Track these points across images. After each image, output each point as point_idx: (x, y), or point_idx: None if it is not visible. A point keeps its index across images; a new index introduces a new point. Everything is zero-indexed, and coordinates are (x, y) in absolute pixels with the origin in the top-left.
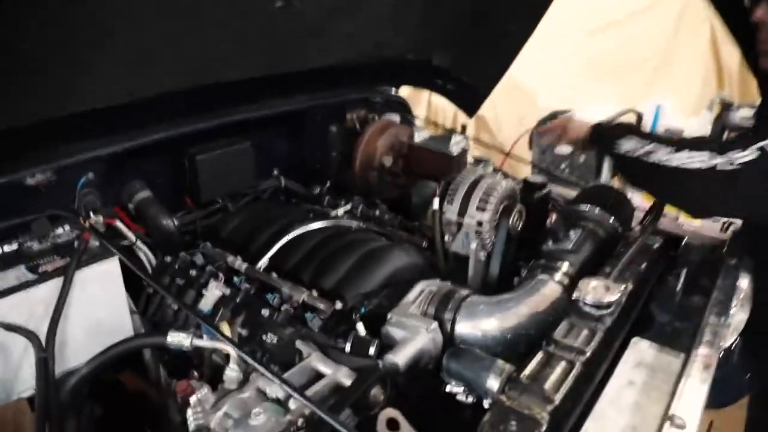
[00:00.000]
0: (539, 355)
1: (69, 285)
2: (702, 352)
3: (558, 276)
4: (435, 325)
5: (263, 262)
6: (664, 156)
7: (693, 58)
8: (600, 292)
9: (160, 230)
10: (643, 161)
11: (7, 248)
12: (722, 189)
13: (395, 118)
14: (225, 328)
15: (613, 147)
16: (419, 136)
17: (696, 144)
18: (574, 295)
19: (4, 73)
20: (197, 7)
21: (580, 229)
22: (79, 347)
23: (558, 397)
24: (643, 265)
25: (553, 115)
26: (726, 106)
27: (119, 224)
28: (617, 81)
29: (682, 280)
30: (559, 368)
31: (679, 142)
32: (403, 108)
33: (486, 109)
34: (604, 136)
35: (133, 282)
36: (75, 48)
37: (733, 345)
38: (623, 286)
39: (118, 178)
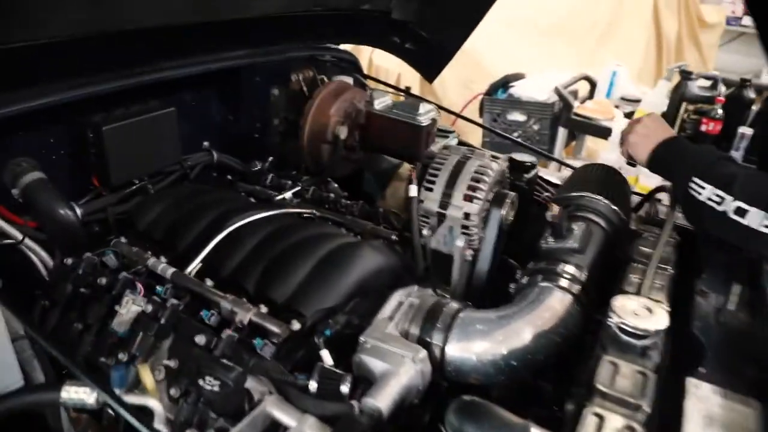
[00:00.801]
0: (587, 416)
1: None
2: None
3: (564, 282)
4: (423, 353)
5: (194, 266)
6: (764, 222)
7: (636, 27)
8: (643, 315)
9: (57, 222)
10: (732, 221)
11: None
12: None
13: (348, 80)
14: (146, 374)
15: (687, 189)
16: (380, 103)
17: None
18: (611, 320)
19: None
20: None
21: (582, 223)
22: None
23: None
24: (671, 272)
25: (505, 80)
26: (685, 76)
27: None
28: (565, 46)
29: (730, 296)
30: None
31: None
32: (356, 69)
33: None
34: (676, 167)
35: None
36: None
37: None
38: (665, 305)
39: None
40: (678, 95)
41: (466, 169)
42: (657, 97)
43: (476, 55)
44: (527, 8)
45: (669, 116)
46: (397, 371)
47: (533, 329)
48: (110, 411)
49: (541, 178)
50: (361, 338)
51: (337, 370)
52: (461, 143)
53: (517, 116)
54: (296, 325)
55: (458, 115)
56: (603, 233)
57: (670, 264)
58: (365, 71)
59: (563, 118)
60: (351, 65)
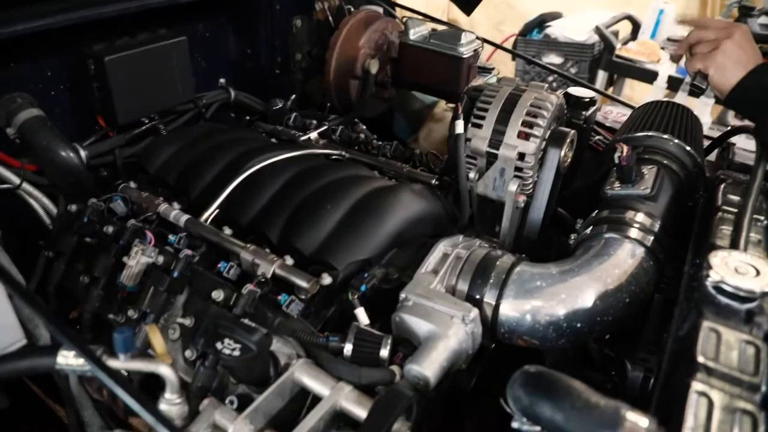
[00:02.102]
0: (694, 396)
1: None
2: None
3: (635, 233)
4: (475, 312)
5: (210, 213)
6: None
7: None
8: (748, 274)
9: (59, 165)
10: None
11: None
12: None
13: (378, 9)
14: (155, 337)
15: None
16: (416, 33)
17: None
18: (710, 279)
19: None
20: None
21: (653, 166)
22: None
23: None
24: (766, 223)
25: (541, 19)
26: (745, 12)
27: None
28: None
29: None
30: (732, 423)
31: None
32: None
33: (458, 13)
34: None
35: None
36: None
37: None
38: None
39: None
40: None
41: (522, 102)
42: None
43: None
44: None
45: None
46: (445, 333)
47: (601, 286)
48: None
49: (597, 121)
50: (402, 294)
51: (376, 332)
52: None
53: (554, 58)
54: (327, 279)
55: (497, 45)
56: (676, 178)
57: (763, 214)
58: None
59: (604, 60)
60: None
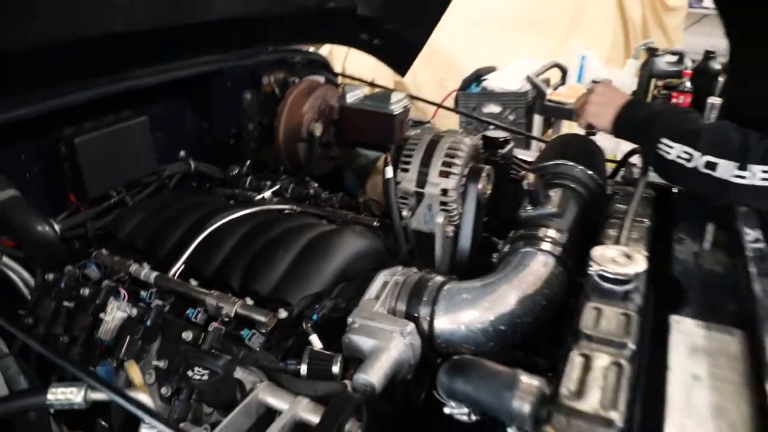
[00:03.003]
0: (574, 357)
1: None
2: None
3: (546, 245)
4: (411, 326)
5: (177, 268)
6: (734, 173)
7: (602, 14)
8: (622, 262)
9: (36, 240)
10: (704, 174)
11: None
12: None
13: (319, 79)
14: (133, 370)
15: (656, 149)
16: (352, 96)
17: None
18: (591, 269)
19: None
20: None
21: (560, 189)
22: None
23: (616, 416)
24: (648, 223)
25: (477, 74)
26: (652, 53)
27: None
28: (535, 37)
29: (705, 235)
30: (604, 373)
31: (742, 151)
32: (326, 68)
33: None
34: (641, 131)
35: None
36: None
37: None
38: (643, 252)
39: None
40: (647, 72)
41: (440, 146)
42: (627, 76)
43: (448, 54)
44: (494, 3)
45: (640, 93)
46: (386, 346)
47: (519, 293)
48: (102, 422)
49: (517, 158)
50: (349, 319)
51: (327, 352)
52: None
53: (493, 108)
54: (283, 314)
55: (435, 104)
56: (580, 198)
57: (646, 216)
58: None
59: (537, 106)
60: (321, 65)
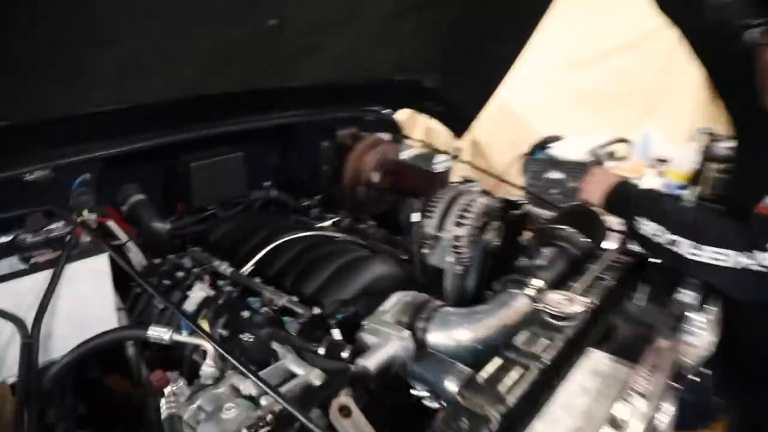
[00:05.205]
0: (497, 360)
1: (59, 276)
2: (651, 360)
3: (529, 290)
4: (407, 333)
5: (248, 268)
6: (689, 251)
7: (683, 92)
8: (563, 304)
9: (152, 233)
10: (667, 249)
11: (2, 239)
12: (756, 284)
13: (385, 137)
14: (205, 326)
15: (633, 224)
16: (406, 154)
17: (720, 240)
18: (538, 306)
19: (5, 72)
20: (192, 19)
21: (552, 248)
22: (65, 339)
23: (511, 399)
24: (609, 282)
25: (545, 141)
26: (710, 138)
27: (111, 224)
28: (609, 111)
29: (646, 296)
30: (515, 373)
31: (698, 233)
32: (394, 127)
33: (481, 134)
34: (622, 208)
35: (121, 282)
36: (74, 51)
37: (703, 368)
38: (587, 299)
39: (114, 180)
40: (704, 155)
41: (458, 201)
42: (685, 156)
43: (523, 119)
44: (573, 75)
45: (698, 174)
46: (385, 344)
47: (497, 323)
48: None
49: (533, 218)
50: (363, 322)
51: (341, 341)
52: (484, 192)
53: (555, 174)
54: (317, 310)
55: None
56: (568, 255)
57: (611, 277)
58: (421, 133)
59: None
60: (390, 124)
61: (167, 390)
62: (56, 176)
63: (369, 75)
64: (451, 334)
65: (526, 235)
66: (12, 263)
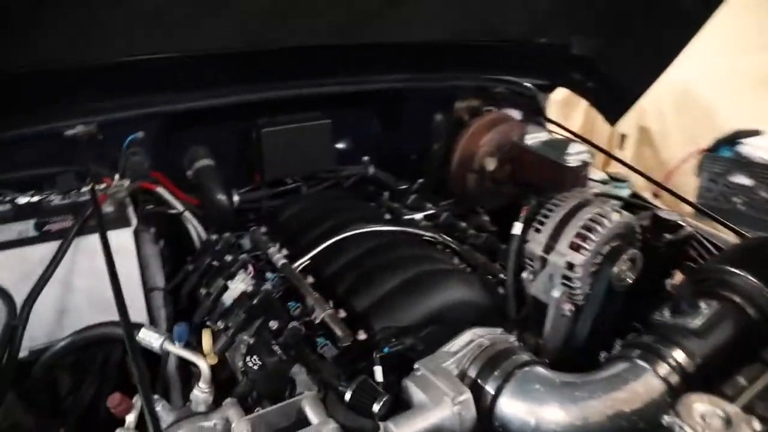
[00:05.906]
0: None
1: (65, 251)
2: None
3: (664, 368)
4: (466, 396)
5: (302, 262)
6: None
7: None
8: (714, 423)
9: (213, 204)
10: None
11: (27, 199)
12: None
13: (516, 115)
14: (206, 337)
15: None
16: (532, 138)
17: None
18: (666, 419)
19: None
20: None
21: (716, 302)
22: (82, 318)
23: None
24: None
25: (735, 135)
26: None
27: (162, 190)
28: None
29: None
30: None
31: None
32: (532, 104)
33: (653, 120)
34: None
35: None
36: None
37: None
38: (752, 420)
39: (176, 141)
40: None
41: (580, 215)
42: None
43: (708, 106)
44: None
45: None
46: (431, 407)
47: (600, 407)
48: None
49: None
50: (416, 365)
51: (378, 388)
52: (635, 196)
53: (742, 179)
54: (362, 335)
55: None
56: (741, 320)
57: None
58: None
59: None
60: (528, 100)
61: (128, 419)
62: (105, 133)
63: (499, 36)
64: (534, 409)
65: (678, 276)
66: (24, 228)
